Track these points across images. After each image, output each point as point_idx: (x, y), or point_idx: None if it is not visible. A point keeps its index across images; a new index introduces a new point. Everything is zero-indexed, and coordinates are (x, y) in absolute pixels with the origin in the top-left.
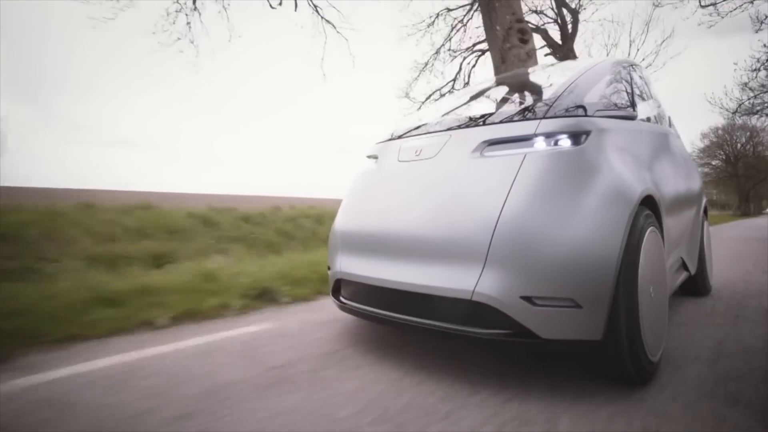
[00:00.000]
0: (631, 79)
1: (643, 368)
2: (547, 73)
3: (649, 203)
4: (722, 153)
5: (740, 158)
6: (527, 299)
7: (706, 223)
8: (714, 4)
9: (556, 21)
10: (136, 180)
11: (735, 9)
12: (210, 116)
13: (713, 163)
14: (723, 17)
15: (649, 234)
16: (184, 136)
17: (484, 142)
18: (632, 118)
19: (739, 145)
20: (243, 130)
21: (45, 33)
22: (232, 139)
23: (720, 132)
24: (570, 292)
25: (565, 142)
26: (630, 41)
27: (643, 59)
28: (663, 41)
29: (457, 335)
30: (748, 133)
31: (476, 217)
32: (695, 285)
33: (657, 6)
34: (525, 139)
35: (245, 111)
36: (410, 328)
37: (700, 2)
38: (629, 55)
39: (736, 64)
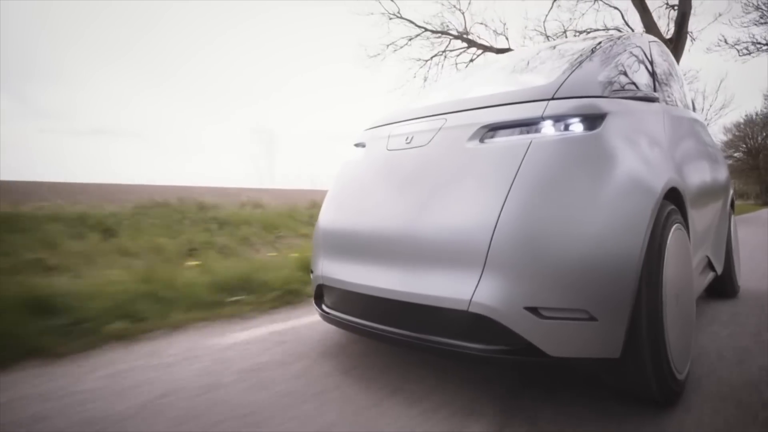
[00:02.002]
0: (652, 56)
1: (668, 387)
2: (557, 50)
3: (673, 197)
4: (744, 146)
5: (761, 151)
6: (532, 311)
7: (732, 218)
8: None
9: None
10: (121, 172)
11: None
12: (196, 104)
13: (735, 155)
14: None
15: (674, 232)
16: (167, 126)
17: (484, 127)
18: (654, 99)
19: (759, 139)
20: (232, 117)
21: (8, 13)
22: (223, 128)
23: (742, 126)
24: (583, 303)
25: (577, 126)
26: None
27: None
28: None
29: (451, 352)
30: None
31: (473, 214)
32: (722, 286)
33: None
34: (530, 124)
35: (234, 98)
36: (398, 342)
37: None
38: None
39: None
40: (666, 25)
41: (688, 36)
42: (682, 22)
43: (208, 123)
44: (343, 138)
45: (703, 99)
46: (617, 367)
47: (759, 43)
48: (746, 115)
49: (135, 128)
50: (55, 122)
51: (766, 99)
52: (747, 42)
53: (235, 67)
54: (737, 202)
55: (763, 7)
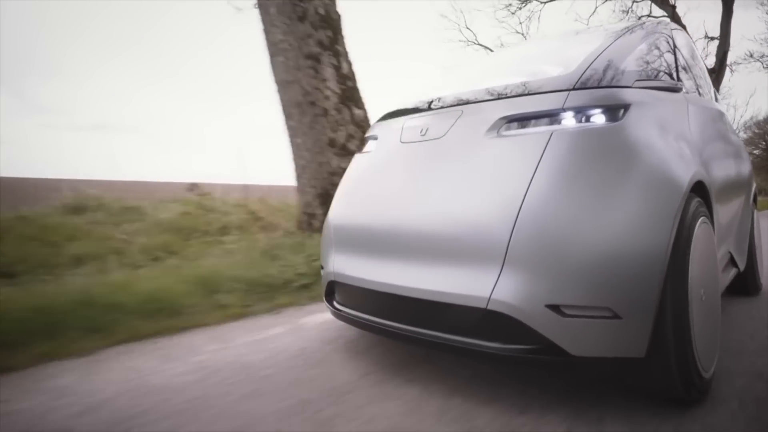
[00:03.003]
0: (675, 45)
1: (694, 386)
2: (577, 39)
3: (699, 190)
4: (764, 143)
5: None
6: (554, 308)
7: (756, 213)
8: None
9: None
10: (123, 168)
11: None
12: (198, 99)
13: (755, 152)
14: None
15: (701, 226)
16: (169, 121)
17: (502, 118)
18: (677, 90)
19: None
20: (238, 113)
21: (8, 9)
22: (228, 124)
23: (762, 123)
24: (607, 300)
25: (599, 117)
26: None
27: None
28: None
29: (469, 351)
30: None
31: (492, 209)
32: (744, 283)
33: None
34: (551, 115)
35: (238, 93)
36: (414, 341)
37: None
38: None
39: None
40: (704, 49)
41: (728, 68)
42: (723, 58)
43: (213, 119)
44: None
45: (734, 111)
46: (642, 367)
47: None
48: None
49: (136, 124)
50: (56, 118)
51: None
52: None
53: (240, 63)
54: (760, 198)
55: None
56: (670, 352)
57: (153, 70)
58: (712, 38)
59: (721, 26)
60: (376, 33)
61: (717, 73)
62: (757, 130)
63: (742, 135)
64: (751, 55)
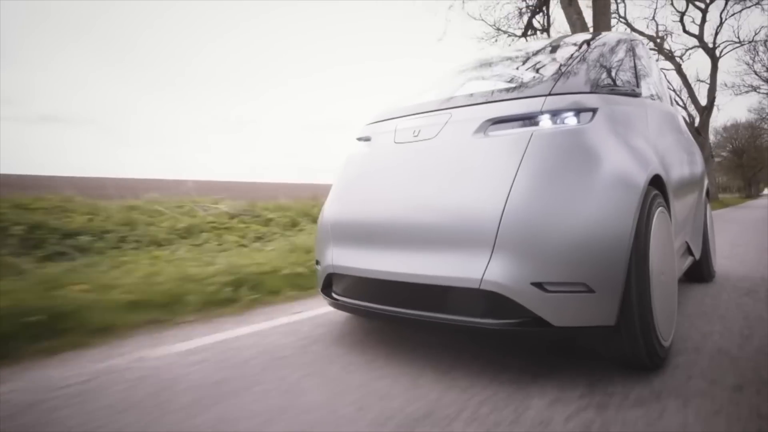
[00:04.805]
0: (635, 55)
1: (656, 353)
2: (552, 48)
3: (657, 183)
4: (730, 146)
5: (744, 151)
6: (538, 285)
7: (708, 207)
8: None
9: None
10: (77, 163)
11: None
12: (158, 89)
13: (723, 154)
14: None
15: (659, 215)
16: (127, 113)
17: (488, 120)
18: (637, 95)
19: (743, 141)
20: (202, 106)
21: None
22: (191, 117)
23: (729, 128)
24: (582, 276)
25: (572, 120)
26: None
27: None
28: None
29: (464, 328)
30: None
31: (482, 201)
32: (699, 271)
33: None
34: (531, 117)
35: (201, 83)
36: (412, 322)
37: None
38: None
39: None
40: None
41: (716, 107)
42: (712, 100)
43: (179, 113)
44: (320, 128)
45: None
46: (612, 334)
47: (750, 86)
48: (733, 119)
49: (92, 115)
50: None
51: (749, 111)
52: (741, 84)
53: (208, 53)
54: (725, 195)
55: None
56: (635, 321)
57: (115, 58)
58: (703, 81)
59: (710, 76)
60: (378, 34)
61: (708, 110)
62: (725, 135)
63: (711, 138)
64: (725, 84)
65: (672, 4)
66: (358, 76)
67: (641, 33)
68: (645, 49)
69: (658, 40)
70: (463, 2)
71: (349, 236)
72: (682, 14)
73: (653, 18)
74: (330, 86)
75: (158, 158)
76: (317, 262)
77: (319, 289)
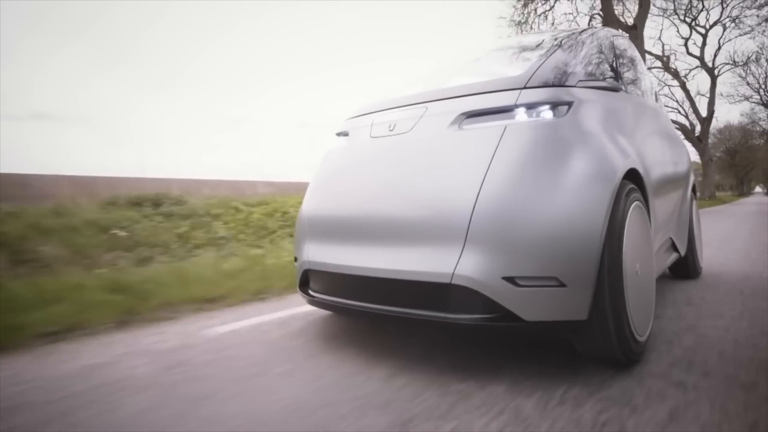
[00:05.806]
0: (616, 49)
1: (629, 348)
2: (529, 43)
3: (633, 178)
4: (724, 147)
5: (737, 152)
6: (510, 280)
7: (695, 204)
8: None
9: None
10: (70, 163)
11: None
12: (153, 86)
13: (717, 155)
14: None
15: (634, 209)
16: (127, 113)
17: (462, 114)
18: (616, 89)
19: (736, 142)
20: (194, 102)
21: None
22: (191, 118)
23: (723, 130)
24: (554, 271)
25: (546, 113)
26: None
27: None
28: None
29: (436, 323)
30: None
31: (454, 195)
32: (686, 267)
33: None
34: (505, 111)
35: (201, 83)
36: (387, 318)
37: None
38: None
39: None
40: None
41: (714, 118)
42: (711, 113)
43: (179, 113)
44: (311, 126)
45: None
46: (585, 329)
47: (743, 95)
48: (727, 122)
49: (86, 113)
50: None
51: (741, 115)
52: (735, 94)
53: (208, 53)
54: (720, 193)
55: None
56: (607, 316)
57: (115, 59)
58: (704, 95)
59: (710, 91)
60: (378, 34)
61: (708, 121)
62: (719, 136)
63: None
64: (721, 94)
65: (678, 31)
66: (357, 76)
67: (649, 53)
68: (629, 45)
69: (665, 59)
70: None
71: (324, 232)
72: (686, 39)
73: (659, 38)
74: (329, 86)
75: (157, 158)
76: (295, 259)
77: (297, 287)
